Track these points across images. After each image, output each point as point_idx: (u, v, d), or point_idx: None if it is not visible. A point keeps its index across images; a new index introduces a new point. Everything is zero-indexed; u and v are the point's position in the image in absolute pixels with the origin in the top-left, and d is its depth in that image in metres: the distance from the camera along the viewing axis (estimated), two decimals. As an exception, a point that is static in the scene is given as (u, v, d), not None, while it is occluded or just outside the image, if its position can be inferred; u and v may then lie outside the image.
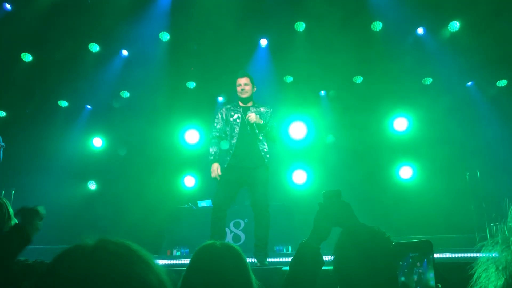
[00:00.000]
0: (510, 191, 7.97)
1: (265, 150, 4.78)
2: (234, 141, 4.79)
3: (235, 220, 7.57)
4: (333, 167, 9.13)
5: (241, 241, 7.41)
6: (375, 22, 8.94)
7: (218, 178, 4.79)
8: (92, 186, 9.85)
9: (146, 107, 9.76)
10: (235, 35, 8.85)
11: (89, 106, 9.96)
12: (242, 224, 7.54)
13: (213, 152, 4.89)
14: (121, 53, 9.45)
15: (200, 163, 9.86)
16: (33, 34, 8.57)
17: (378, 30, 9.02)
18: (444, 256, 6.04)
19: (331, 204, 1.71)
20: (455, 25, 8.82)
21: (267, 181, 4.76)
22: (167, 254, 7.43)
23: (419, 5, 8.48)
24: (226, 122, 4.92)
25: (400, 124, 9.77)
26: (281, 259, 6.18)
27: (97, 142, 9.92)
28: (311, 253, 1.67)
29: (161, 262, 6.44)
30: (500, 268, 0.41)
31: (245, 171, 4.73)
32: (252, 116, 4.73)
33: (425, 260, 1.10)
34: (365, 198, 8.68)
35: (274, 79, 9.63)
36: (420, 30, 9.13)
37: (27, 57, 9.00)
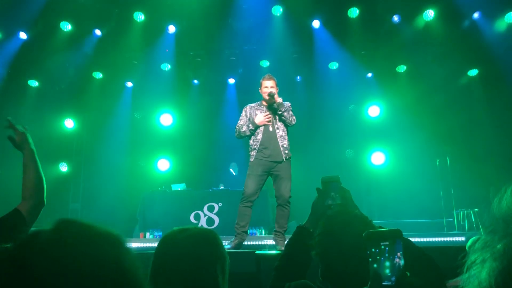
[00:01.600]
0: (478, 178, 8.21)
1: (285, 145, 5.04)
2: (259, 137, 5.06)
3: (209, 204, 7.58)
4: (309, 153, 9.23)
5: (215, 225, 7.44)
6: (352, 8, 8.96)
7: (268, 118, 5.04)
8: (64, 168, 9.68)
9: (119, 89, 9.60)
10: (211, 16, 8.74)
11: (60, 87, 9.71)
12: (217, 208, 7.56)
13: (245, 127, 5.14)
14: (94, 32, 9.21)
15: (175, 147, 9.82)
16: (2, 13, 8.26)
17: (354, 17, 9.05)
18: (414, 240, 6.20)
19: (329, 189, 1.74)
20: (428, 14, 8.92)
21: (290, 175, 5.06)
22: (140, 237, 7.41)
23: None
24: (250, 120, 5.17)
25: (373, 110, 9.92)
26: (255, 242, 6.23)
27: (69, 123, 9.72)
28: (307, 236, 1.70)
29: (134, 245, 6.44)
30: (497, 256, 0.41)
31: (270, 164, 5.02)
32: (273, 91, 5.02)
33: (395, 248, 1.13)
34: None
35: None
36: (395, 18, 9.19)
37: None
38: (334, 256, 1.48)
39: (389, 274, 1.12)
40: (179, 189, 8.27)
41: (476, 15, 8.82)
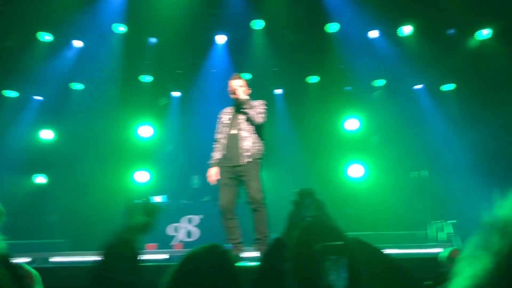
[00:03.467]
0: (455, 190, 8.37)
1: (247, 147, 4.81)
2: (223, 141, 4.92)
3: (189, 216, 7.52)
4: (288, 165, 9.30)
5: (196, 237, 7.37)
6: (331, 23, 9.12)
7: (215, 182, 4.92)
8: (41, 180, 9.51)
9: (98, 100, 9.53)
10: (192, 30, 8.79)
11: (38, 98, 9.58)
12: (198, 220, 7.49)
13: (212, 157, 5.03)
14: (71, 44, 9.15)
15: (155, 158, 9.76)
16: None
17: (333, 31, 9.21)
18: (391, 252, 6.27)
19: (304, 202, 1.76)
20: (405, 30, 9.14)
21: (257, 175, 4.81)
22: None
23: (374, 8, 8.71)
24: (222, 125, 5.06)
25: (352, 124, 10.05)
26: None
27: (46, 134, 9.58)
28: (283, 248, 1.71)
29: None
30: (492, 252, 0.45)
31: (233, 170, 4.82)
32: (234, 88, 4.87)
33: (344, 261, 1.16)
34: (319, 196, 8.86)
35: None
36: (374, 33, 9.38)
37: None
38: (308, 267, 1.48)
39: (341, 285, 1.14)
40: (158, 200, 8.19)
41: (451, 31, 9.08)
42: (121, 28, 9.05)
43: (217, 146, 5.06)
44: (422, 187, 8.77)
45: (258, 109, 4.86)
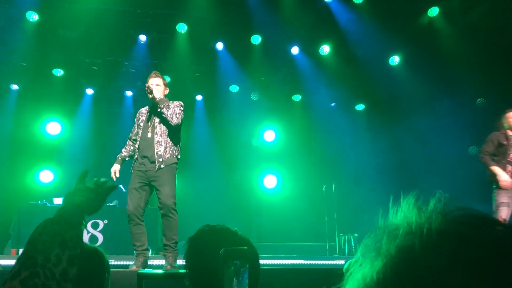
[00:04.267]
0: (361, 203, 8.83)
1: (160, 152, 4.62)
2: (137, 144, 4.71)
3: (93, 221, 7.17)
4: (205, 172, 9.25)
5: (99, 242, 7.06)
6: (255, 35, 9.26)
7: (114, 179, 4.76)
8: None
9: (1, 91, 8.82)
10: (113, 25, 8.46)
11: None
12: (102, 225, 7.17)
13: (120, 153, 4.92)
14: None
15: (61, 158, 9.21)
16: None
17: (256, 43, 9.35)
18: (298, 262, 6.42)
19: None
20: (324, 50, 9.54)
21: (170, 181, 4.63)
22: (11, 254, 6.74)
23: (296, 25, 8.98)
24: (137, 126, 4.86)
25: (269, 135, 10.26)
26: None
27: None
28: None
29: (4, 262, 5.83)
30: (381, 252, 0.46)
31: (145, 175, 4.63)
32: (150, 87, 4.68)
33: (246, 267, 1.15)
34: (232, 205, 8.94)
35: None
36: (295, 50, 9.66)
37: None
38: (201, 272, 1.43)
39: None
40: (60, 202, 7.71)
41: (365, 54, 9.63)
42: (34, 17, 8.45)
43: (128, 144, 4.92)
44: (329, 200, 9.14)
45: (174, 109, 4.68)
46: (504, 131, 5.37)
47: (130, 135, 4.96)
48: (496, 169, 5.14)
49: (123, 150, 4.92)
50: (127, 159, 4.91)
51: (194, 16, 8.63)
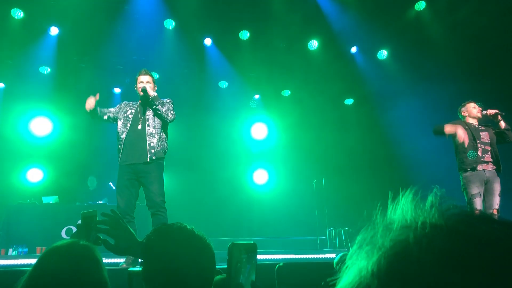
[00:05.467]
0: (351, 197, 8.88)
1: (153, 144, 4.62)
2: (123, 135, 4.65)
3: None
4: (195, 169, 9.23)
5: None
6: (243, 30, 9.23)
7: (92, 103, 4.69)
8: None
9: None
10: (100, 22, 8.38)
11: None
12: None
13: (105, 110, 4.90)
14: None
15: (50, 156, 9.13)
16: None
17: (245, 39, 9.32)
18: (289, 257, 6.45)
19: (89, 224, 1.72)
20: (313, 44, 9.54)
21: (159, 176, 4.64)
22: (0, 254, 6.68)
23: (284, 20, 8.96)
24: (122, 114, 4.80)
25: (259, 130, 10.27)
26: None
27: None
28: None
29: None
30: (376, 245, 0.47)
31: (134, 168, 4.59)
32: (146, 86, 4.69)
33: (253, 261, 1.16)
34: (223, 201, 8.95)
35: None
36: (283, 45, 9.64)
37: None
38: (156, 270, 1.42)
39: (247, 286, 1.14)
40: (50, 202, 7.66)
41: (354, 49, 9.66)
42: (19, 14, 8.33)
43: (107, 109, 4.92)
44: (319, 194, 9.18)
45: (168, 106, 4.74)
46: (462, 121, 5.58)
47: (108, 109, 4.94)
48: (447, 125, 5.31)
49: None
50: (98, 108, 4.83)
51: (182, 11, 8.58)
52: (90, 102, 4.70)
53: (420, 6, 8.73)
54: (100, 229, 1.74)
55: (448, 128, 5.31)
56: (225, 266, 1.18)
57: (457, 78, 8.47)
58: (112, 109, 4.89)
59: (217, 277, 1.57)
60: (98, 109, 4.82)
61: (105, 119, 4.87)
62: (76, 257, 1.44)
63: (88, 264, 1.44)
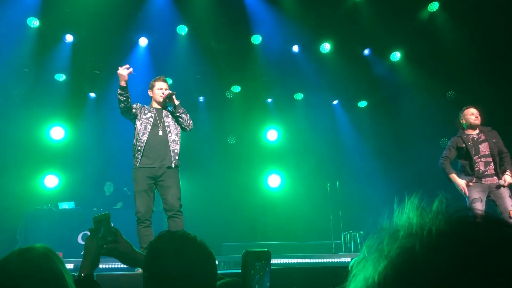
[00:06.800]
0: (366, 200, 8.82)
1: (176, 151, 4.69)
2: (144, 137, 4.63)
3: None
4: (209, 174, 9.26)
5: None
6: (255, 35, 9.24)
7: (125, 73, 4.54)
8: None
9: (4, 97, 8.84)
10: (114, 29, 8.47)
11: None
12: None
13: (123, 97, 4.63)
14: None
15: (65, 162, 9.23)
16: None
17: (256, 43, 9.33)
18: (304, 261, 6.42)
19: (100, 228, 1.72)
20: (325, 47, 9.51)
21: (178, 182, 4.69)
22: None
23: (296, 24, 8.96)
24: (140, 114, 4.75)
25: (271, 134, 10.27)
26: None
27: None
28: (87, 281, 1.62)
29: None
30: (382, 254, 0.46)
31: (155, 172, 4.62)
32: (169, 92, 4.71)
33: (266, 269, 1.16)
34: (237, 205, 8.95)
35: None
36: (295, 48, 9.64)
37: None
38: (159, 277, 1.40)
39: None
40: (66, 207, 7.75)
41: (366, 51, 9.60)
42: (35, 23, 8.46)
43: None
44: (334, 198, 9.13)
45: (188, 115, 4.81)
46: (461, 133, 5.39)
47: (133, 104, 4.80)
48: (452, 176, 5.20)
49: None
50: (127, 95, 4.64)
51: (194, 17, 8.62)
52: (123, 72, 4.55)
53: (433, 7, 8.64)
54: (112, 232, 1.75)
55: (451, 179, 5.24)
56: (240, 271, 1.18)
57: (473, 81, 8.35)
58: (134, 105, 4.85)
59: (219, 282, 1.56)
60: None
61: (132, 112, 4.75)
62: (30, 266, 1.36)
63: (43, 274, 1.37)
